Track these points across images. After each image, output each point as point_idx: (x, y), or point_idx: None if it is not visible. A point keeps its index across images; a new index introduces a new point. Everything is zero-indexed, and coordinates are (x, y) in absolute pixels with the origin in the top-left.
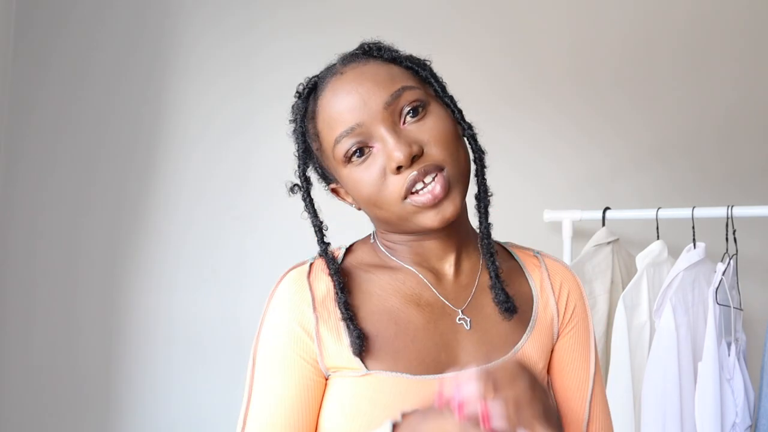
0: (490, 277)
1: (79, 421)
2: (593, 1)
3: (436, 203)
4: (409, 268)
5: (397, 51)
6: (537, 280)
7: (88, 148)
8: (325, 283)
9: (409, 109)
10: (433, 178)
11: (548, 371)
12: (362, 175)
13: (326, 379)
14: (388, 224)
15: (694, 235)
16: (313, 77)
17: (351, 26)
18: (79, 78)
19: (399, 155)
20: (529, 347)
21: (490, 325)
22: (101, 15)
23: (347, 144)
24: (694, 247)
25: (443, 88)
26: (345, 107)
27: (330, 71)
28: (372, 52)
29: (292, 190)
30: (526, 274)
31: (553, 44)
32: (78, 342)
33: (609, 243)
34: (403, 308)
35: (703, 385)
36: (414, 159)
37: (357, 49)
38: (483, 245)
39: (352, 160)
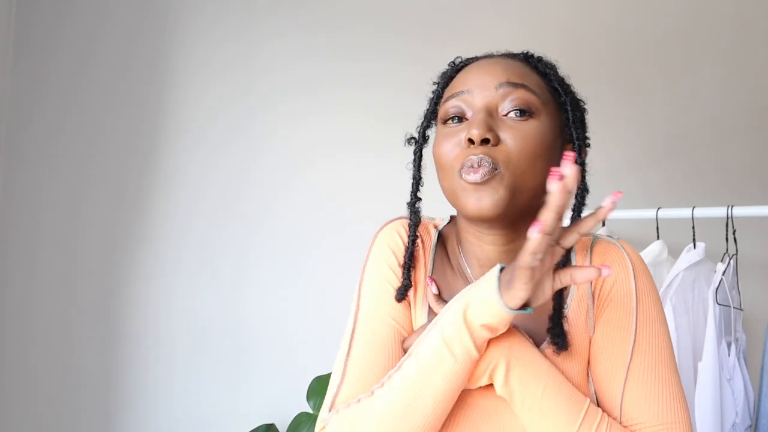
0: (553, 308)
1: (80, 421)
2: (584, 3)
3: (475, 184)
4: (469, 273)
5: (553, 68)
6: None
7: (88, 149)
8: (419, 236)
9: (516, 108)
10: (482, 168)
11: (588, 362)
12: (446, 136)
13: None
14: (447, 195)
15: (694, 235)
16: (474, 57)
17: (349, 28)
18: (79, 79)
19: (474, 131)
20: (553, 357)
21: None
22: (101, 17)
23: (450, 105)
24: (694, 247)
25: (575, 119)
26: (468, 75)
27: (485, 54)
28: (529, 59)
29: (408, 141)
30: (571, 264)
31: (548, 48)
32: (78, 342)
33: None
34: None
35: (703, 385)
36: (486, 143)
37: (521, 52)
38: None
39: (448, 122)
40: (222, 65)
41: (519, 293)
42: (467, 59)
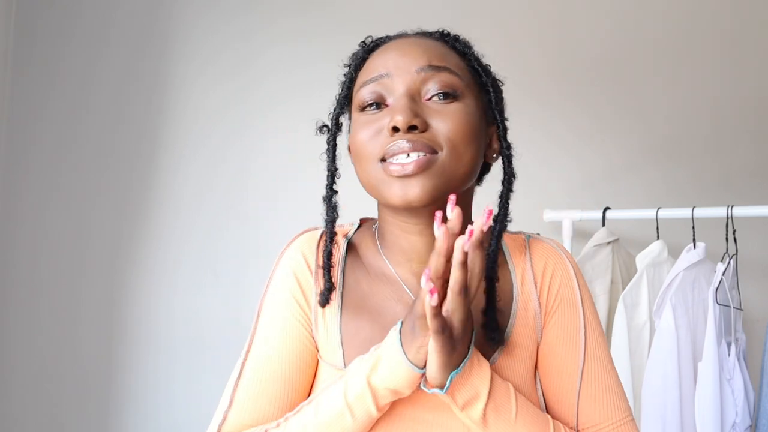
0: (486, 301)
1: (82, 421)
2: (585, 5)
3: (402, 176)
4: (393, 272)
5: (470, 48)
6: (519, 272)
7: (91, 151)
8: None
9: (440, 91)
10: (417, 156)
11: (536, 368)
12: (365, 124)
13: (318, 353)
14: (366, 186)
15: (694, 235)
16: (385, 36)
17: (348, 35)
18: (81, 82)
19: (399, 118)
20: (504, 361)
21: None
22: (104, 20)
23: (367, 91)
24: (694, 247)
25: (498, 101)
26: (385, 58)
27: (398, 34)
28: (445, 37)
29: (320, 129)
30: (510, 266)
31: (547, 48)
32: (81, 343)
33: (609, 243)
34: (382, 313)
35: (703, 385)
36: (413, 130)
37: (437, 30)
38: (487, 269)
39: (366, 110)
40: (223, 70)
41: (423, 348)
42: (378, 39)
